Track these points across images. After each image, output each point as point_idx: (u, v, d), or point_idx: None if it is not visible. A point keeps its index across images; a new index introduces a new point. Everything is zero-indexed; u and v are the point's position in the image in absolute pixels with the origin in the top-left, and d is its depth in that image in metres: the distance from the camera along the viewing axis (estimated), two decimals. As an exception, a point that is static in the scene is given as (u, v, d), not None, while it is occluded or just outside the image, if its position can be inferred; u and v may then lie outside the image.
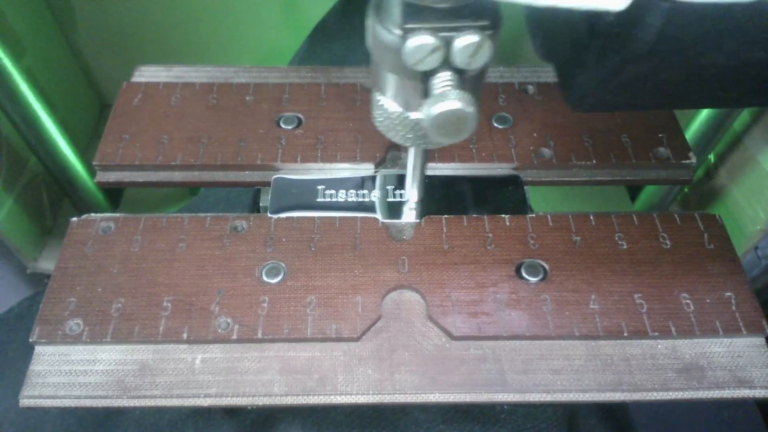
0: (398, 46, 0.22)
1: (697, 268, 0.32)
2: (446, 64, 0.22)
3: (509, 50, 0.62)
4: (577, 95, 0.23)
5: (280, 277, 0.32)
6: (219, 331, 0.30)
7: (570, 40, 0.23)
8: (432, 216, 0.35)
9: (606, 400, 0.29)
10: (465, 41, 0.21)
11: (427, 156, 0.32)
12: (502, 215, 0.35)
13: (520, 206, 0.35)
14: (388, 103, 0.26)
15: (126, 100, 0.40)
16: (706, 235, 0.34)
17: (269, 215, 0.35)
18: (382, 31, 0.23)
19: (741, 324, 0.30)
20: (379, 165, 0.37)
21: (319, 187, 0.36)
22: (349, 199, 0.36)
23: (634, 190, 0.67)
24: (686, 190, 0.60)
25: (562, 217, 0.34)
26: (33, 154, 0.60)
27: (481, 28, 0.21)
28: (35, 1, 0.63)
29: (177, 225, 0.34)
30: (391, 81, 0.25)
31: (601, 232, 0.34)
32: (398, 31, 0.22)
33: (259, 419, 0.37)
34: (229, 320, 0.30)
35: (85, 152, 0.64)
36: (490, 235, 0.34)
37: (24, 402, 0.29)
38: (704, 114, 0.50)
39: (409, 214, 0.35)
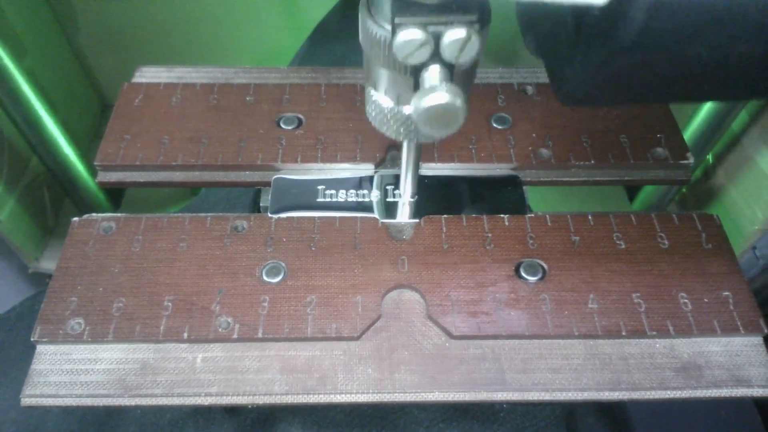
0: (389, 41, 0.22)
1: (695, 268, 0.33)
2: (436, 58, 0.22)
3: (508, 51, 0.62)
4: (566, 90, 0.24)
5: (280, 277, 0.32)
6: (220, 330, 0.30)
7: (558, 36, 0.23)
8: (431, 216, 0.35)
9: (604, 399, 0.29)
10: (453, 36, 0.22)
11: (420, 151, 0.32)
12: (501, 215, 0.35)
13: (519, 206, 0.36)
14: (380, 97, 0.27)
15: (127, 100, 0.40)
16: (704, 235, 0.34)
17: (269, 215, 0.35)
18: (373, 26, 0.23)
19: (739, 323, 0.31)
20: (379, 165, 0.37)
21: (319, 187, 0.36)
22: (349, 199, 0.36)
23: (632, 190, 0.68)
24: (684, 190, 0.60)
25: (560, 217, 0.35)
26: (34, 154, 0.60)
27: (470, 23, 0.21)
28: (37, 1, 0.64)
29: (178, 225, 0.34)
30: (383, 76, 0.26)
31: (600, 232, 0.34)
32: (388, 26, 0.23)
33: (260, 418, 0.37)
34: (229, 320, 0.31)
35: (86, 152, 0.64)
36: (490, 235, 0.34)
37: (25, 401, 0.29)
38: (702, 114, 0.51)
39: (404, 210, 0.35)
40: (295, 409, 0.37)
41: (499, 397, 0.29)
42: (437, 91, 0.22)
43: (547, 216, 0.35)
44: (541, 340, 0.30)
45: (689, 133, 0.52)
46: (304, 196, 0.36)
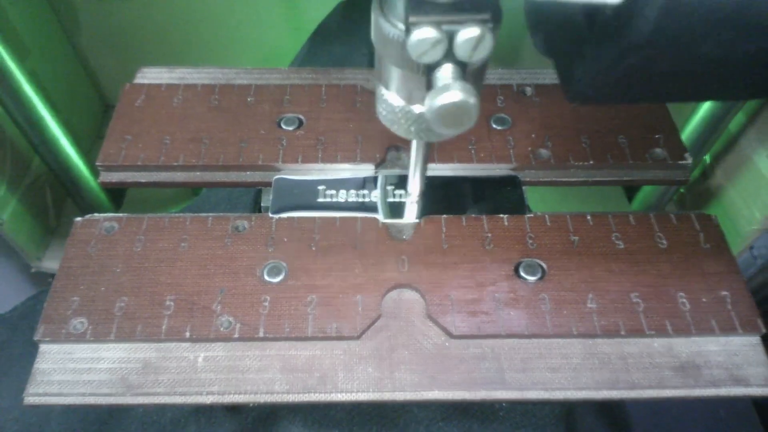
0: (402, 40, 0.23)
1: (693, 268, 0.33)
2: (449, 57, 0.23)
3: (508, 52, 0.62)
4: (575, 88, 0.24)
5: (281, 277, 0.32)
6: (221, 329, 0.30)
7: (569, 35, 0.23)
8: (431, 216, 0.35)
9: (603, 398, 0.29)
10: (467, 34, 0.22)
11: (429, 150, 0.32)
12: (501, 215, 0.35)
13: (519, 206, 0.36)
14: (391, 96, 0.27)
15: (129, 101, 0.41)
16: (702, 234, 0.34)
17: (270, 215, 0.35)
18: (386, 25, 0.23)
19: (737, 323, 0.31)
20: (379, 165, 0.38)
21: (320, 188, 0.36)
22: (350, 199, 0.36)
23: (631, 191, 0.68)
24: (682, 190, 0.61)
25: (559, 217, 0.35)
26: (37, 154, 0.60)
27: (483, 22, 0.22)
28: (39, 3, 0.64)
29: (179, 225, 0.34)
30: (394, 74, 0.26)
31: (599, 232, 0.34)
32: (402, 25, 0.23)
33: (261, 417, 0.37)
34: (230, 319, 0.31)
35: (88, 153, 0.64)
36: (489, 234, 0.34)
37: (28, 400, 0.29)
38: (700, 115, 0.51)
39: (411, 209, 0.35)
40: (295, 408, 0.37)
41: (499, 396, 0.29)
42: (451, 90, 0.22)
43: (547, 216, 0.35)
44: (540, 339, 0.31)
45: (687, 134, 0.52)
46: (304, 196, 0.36)
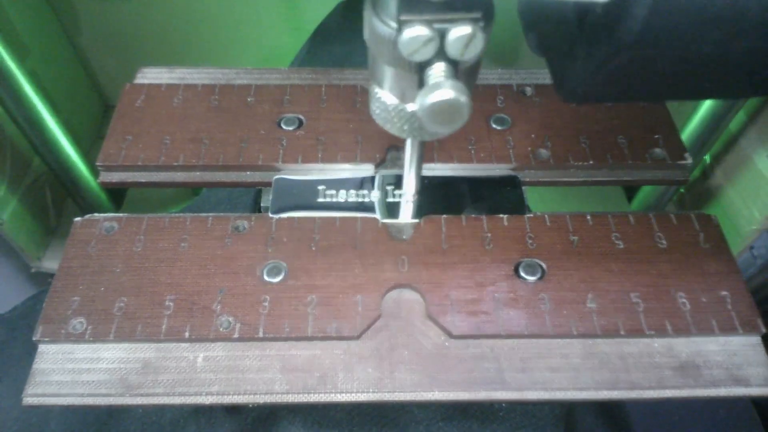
0: (394, 38, 0.23)
1: (693, 268, 0.33)
2: (441, 55, 0.23)
3: (508, 52, 0.62)
4: (568, 88, 0.24)
5: (281, 277, 0.32)
6: (221, 329, 0.30)
7: (561, 33, 0.23)
8: (431, 216, 0.35)
9: (603, 398, 0.29)
10: (458, 32, 0.22)
11: (424, 149, 0.32)
12: (501, 215, 0.35)
13: (518, 206, 0.36)
14: (385, 95, 0.27)
15: (129, 101, 0.41)
16: (701, 234, 0.34)
17: (270, 215, 0.35)
18: (378, 24, 0.23)
19: (737, 323, 0.31)
20: (379, 165, 0.38)
21: (320, 188, 0.36)
22: (350, 200, 0.36)
23: (630, 191, 0.68)
24: (682, 190, 0.61)
25: (559, 217, 0.35)
26: (37, 154, 0.60)
27: (474, 20, 0.22)
28: (39, 3, 0.64)
29: (179, 225, 0.34)
30: (387, 73, 0.26)
31: (598, 231, 0.34)
32: (394, 23, 0.23)
33: (261, 417, 0.37)
34: (230, 319, 0.31)
35: (88, 153, 0.64)
36: (489, 234, 0.34)
37: (27, 400, 0.29)
38: (700, 115, 0.51)
39: (407, 208, 0.35)
40: (295, 408, 0.37)
41: (499, 397, 0.29)
42: (442, 88, 0.22)
43: (546, 216, 0.35)
44: (540, 339, 0.31)
45: (687, 134, 0.52)
46: (304, 196, 0.36)
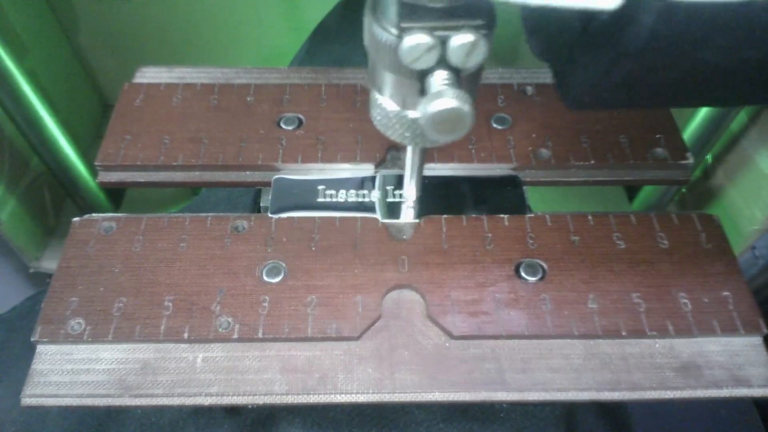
0: (395, 45, 0.22)
1: (694, 268, 0.33)
2: (442, 62, 0.22)
3: (508, 51, 0.62)
4: (572, 94, 0.24)
5: (280, 277, 0.32)
6: (220, 330, 0.30)
7: (565, 39, 0.23)
8: (431, 216, 0.35)
9: (604, 399, 0.29)
10: (460, 40, 0.21)
11: (425, 155, 0.32)
12: (501, 215, 0.35)
13: (519, 206, 0.36)
14: (385, 101, 0.26)
15: (128, 100, 0.40)
16: (703, 235, 0.34)
17: (270, 215, 0.35)
18: (378, 30, 0.23)
19: (738, 323, 0.31)
20: (379, 165, 0.37)
21: (320, 188, 0.36)
22: (350, 199, 0.36)
23: (632, 191, 0.68)
24: (684, 190, 0.61)
25: (560, 217, 0.35)
26: (35, 154, 0.60)
27: (477, 28, 0.21)
28: (38, 2, 0.64)
29: (178, 225, 0.34)
30: (388, 80, 0.26)
31: (600, 232, 0.34)
32: (395, 30, 0.22)
33: (260, 418, 0.37)
34: (230, 319, 0.31)
35: (87, 153, 0.64)
36: (489, 235, 0.34)
37: (26, 401, 0.29)
38: (702, 115, 0.51)
39: (408, 213, 0.35)
40: (295, 409, 0.37)
41: (499, 397, 0.29)
42: (444, 97, 0.22)
43: (547, 216, 0.35)
44: (540, 340, 0.30)
45: (688, 134, 0.52)
46: (304, 196, 0.36)
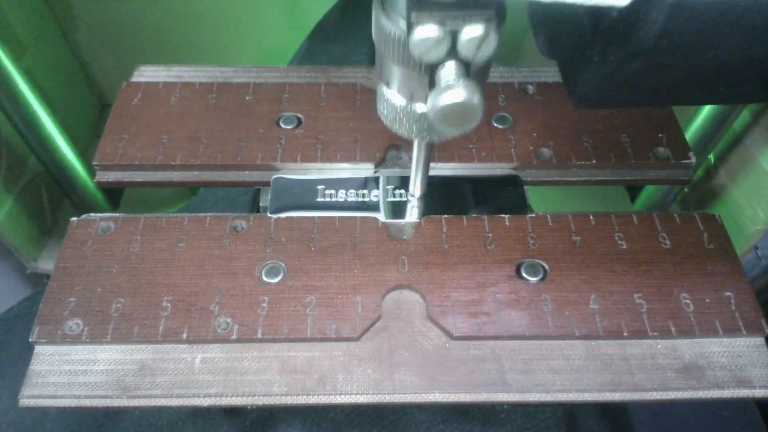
0: (404, 38, 0.22)
1: (696, 268, 0.32)
2: (452, 55, 0.22)
3: (509, 50, 0.62)
4: (580, 92, 0.23)
5: (279, 277, 0.32)
6: (219, 330, 0.30)
7: (573, 37, 0.23)
8: (432, 216, 0.35)
9: (605, 400, 0.29)
10: (471, 32, 0.21)
11: (431, 150, 0.32)
12: (502, 215, 0.35)
13: (520, 206, 0.35)
14: (393, 95, 0.26)
15: (126, 99, 0.40)
16: (705, 235, 0.34)
17: (269, 215, 0.35)
18: (387, 23, 0.23)
19: (741, 324, 0.30)
20: (379, 165, 0.37)
21: (319, 187, 0.36)
22: (349, 199, 0.36)
23: (633, 190, 0.67)
24: (686, 190, 0.60)
25: (561, 217, 0.34)
26: (33, 153, 0.60)
27: (487, 19, 0.21)
28: (35, 1, 0.63)
29: (177, 225, 0.34)
30: (396, 73, 0.25)
31: (601, 232, 0.34)
32: (403, 22, 0.22)
33: (259, 419, 0.37)
34: (228, 320, 0.30)
35: (84, 152, 0.64)
36: (490, 234, 0.34)
37: (24, 402, 0.29)
38: (704, 114, 0.51)
39: (412, 210, 0.35)
40: (294, 410, 0.37)
41: (500, 398, 0.29)
42: (454, 89, 0.21)
43: (548, 216, 0.35)
44: (541, 340, 0.30)
45: (691, 133, 0.52)
46: (303, 195, 0.36)
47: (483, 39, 0.21)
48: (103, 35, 0.69)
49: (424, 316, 0.31)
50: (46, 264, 0.62)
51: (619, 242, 0.33)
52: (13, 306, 0.48)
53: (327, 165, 0.37)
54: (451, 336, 0.30)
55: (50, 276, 0.32)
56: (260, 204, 0.37)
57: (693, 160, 0.37)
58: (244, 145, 0.37)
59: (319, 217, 0.34)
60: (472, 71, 0.23)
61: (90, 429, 0.40)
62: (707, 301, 0.31)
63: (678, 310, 0.31)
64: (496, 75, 0.42)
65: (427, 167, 0.33)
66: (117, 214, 0.35)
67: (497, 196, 0.36)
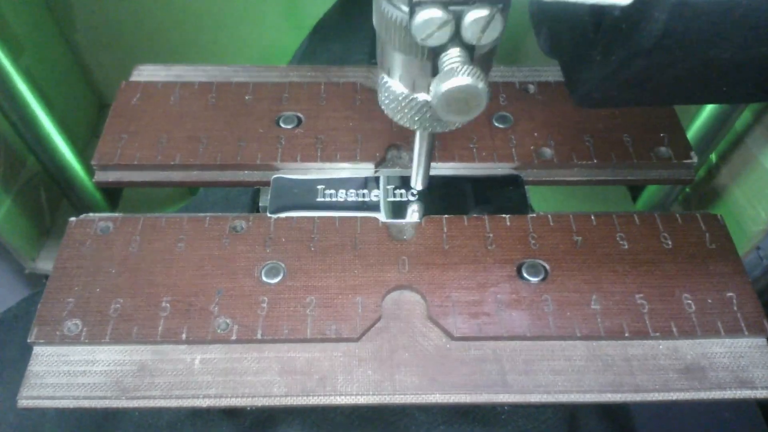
0: (406, 22, 0.22)
1: (698, 269, 0.32)
2: (455, 40, 0.21)
3: (510, 50, 0.62)
4: (582, 91, 0.23)
5: (279, 278, 0.32)
6: (218, 331, 0.30)
7: (575, 36, 0.23)
8: (432, 216, 0.34)
9: (607, 401, 0.29)
10: (475, 15, 0.21)
11: (434, 141, 0.32)
12: (503, 215, 0.34)
13: (521, 206, 0.35)
14: (394, 84, 0.26)
15: (125, 99, 0.40)
16: (707, 235, 0.34)
17: (269, 215, 0.35)
18: (389, 7, 0.22)
19: (742, 324, 0.30)
20: (379, 164, 0.37)
21: (319, 187, 0.36)
22: (349, 199, 0.35)
23: (635, 190, 0.67)
24: (688, 189, 0.60)
25: (563, 217, 0.34)
26: (31, 153, 0.60)
27: (492, 1, 0.21)
28: (34, 0, 0.63)
29: (176, 225, 0.34)
30: (397, 61, 0.25)
31: (603, 232, 0.34)
32: (405, 6, 0.22)
33: (259, 420, 0.37)
34: (228, 321, 0.30)
35: (83, 152, 0.64)
36: (491, 235, 0.34)
37: (22, 403, 0.28)
38: (706, 113, 0.50)
39: (413, 209, 0.34)
40: (294, 411, 0.36)
41: (501, 399, 0.29)
42: (458, 74, 0.21)
43: (549, 216, 0.34)
44: (543, 341, 0.30)
45: (692, 133, 0.52)
46: (303, 195, 0.36)
47: (488, 22, 0.21)
48: (102, 35, 0.69)
49: (425, 317, 0.31)
50: (44, 264, 0.62)
51: (621, 242, 0.33)
52: (12, 306, 0.48)
53: (327, 165, 0.37)
54: (451, 336, 0.30)
55: (49, 276, 0.32)
56: (260, 204, 0.37)
57: (695, 159, 0.37)
58: (244, 144, 0.37)
59: (319, 217, 0.34)
60: (476, 57, 0.22)
61: (89, 430, 0.40)
62: (709, 301, 0.31)
63: (680, 310, 0.31)
64: (497, 74, 0.42)
65: (429, 160, 0.32)
66: (116, 214, 0.35)
67: (498, 196, 0.36)
